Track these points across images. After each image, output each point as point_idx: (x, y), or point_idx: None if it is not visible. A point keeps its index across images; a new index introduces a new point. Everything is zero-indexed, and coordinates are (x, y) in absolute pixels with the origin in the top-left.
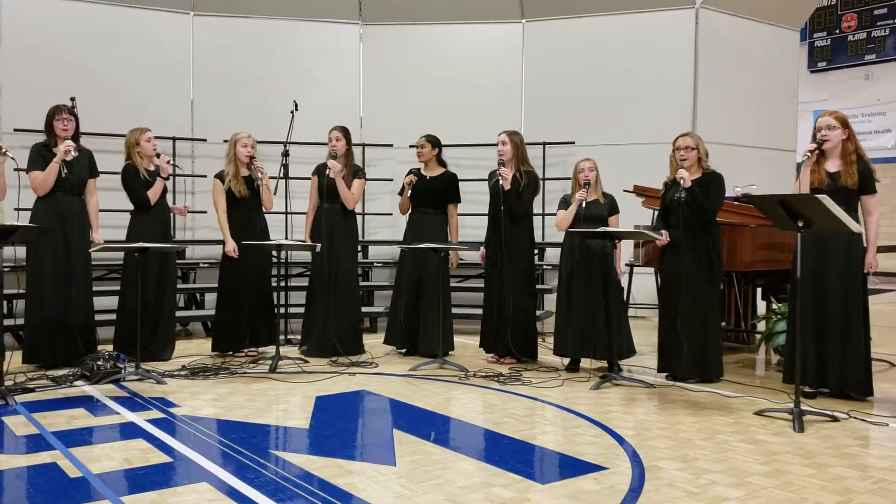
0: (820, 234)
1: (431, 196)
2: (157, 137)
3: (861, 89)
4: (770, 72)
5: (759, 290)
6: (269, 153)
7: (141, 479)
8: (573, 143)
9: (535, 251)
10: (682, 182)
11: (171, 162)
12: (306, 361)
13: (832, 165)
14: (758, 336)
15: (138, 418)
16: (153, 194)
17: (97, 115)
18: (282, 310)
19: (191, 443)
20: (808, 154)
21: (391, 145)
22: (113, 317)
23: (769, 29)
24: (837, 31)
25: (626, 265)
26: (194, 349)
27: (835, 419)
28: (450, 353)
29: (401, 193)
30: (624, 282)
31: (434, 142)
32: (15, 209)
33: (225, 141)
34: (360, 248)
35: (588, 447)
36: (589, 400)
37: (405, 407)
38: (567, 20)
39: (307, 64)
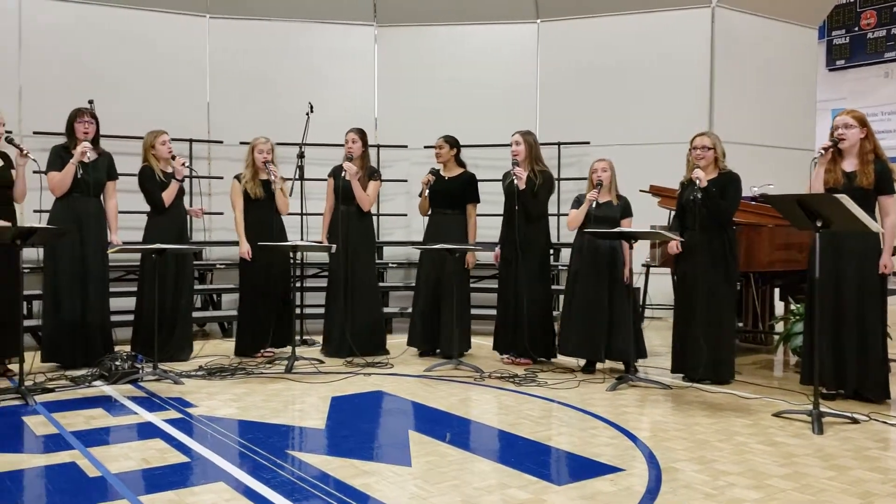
0: (836, 235)
1: (450, 197)
2: (173, 140)
3: (881, 87)
4: (788, 70)
5: (776, 290)
6: (285, 155)
7: (159, 478)
8: (588, 143)
9: (551, 251)
10: (697, 182)
11: (186, 164)
12: (322, 362)
13: (849, 165)
14: (776, 337)
15: (156, 418)
16: (167, 196)
17: (115, 118)
18: (298, 310)
19: (208, 443)
20: (822, 152)
21: (406, 146)
22: (131, 318)
23: (786, 27)
24: (856, 29)
25: (643, 265)
26: (211, 350)
27: (855, 421)
28: (466, 353)
29: (421, 195)
30: (639, 283)
31: (452, 142)
32: (35, 211)
33: (241, 143)
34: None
35: (604, 448)
36: (605, 401)
37: (421, 408)
38: (582, 20)
39: (322, 66)
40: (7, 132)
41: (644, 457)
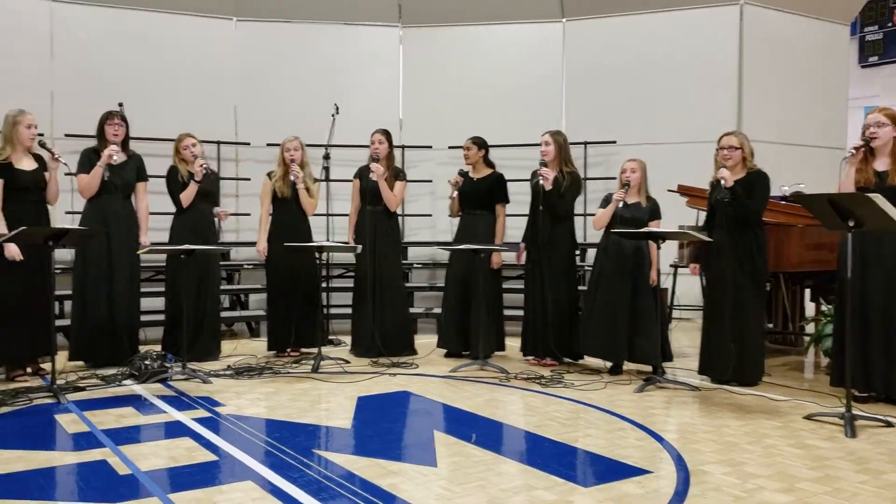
0: (864, 235)
1: (479, 197)
2: (203, 142)
3: None
4: (818, 67)
5: (807, 291)
6: (311, 156)
7: (187, 477)
8: (615, 142)
9: (577, 251)
10: (723, 182)
11: (204, 166)
12: (348, 362)
13: (881, 164)
14: (806, 338)
15: (185, 417)
16: (185, 197)
17: (145, 121)
18: (324, 311)
19: (236, 442)
20: (853, 151)
21: (430, 147)
22: (161, 317)
23: (817, 24)
24: (889, 25)
25: (671, 266)
26: (239, 349)
27: (889, 424)
28: (497, 354)
29: (451, 196)
30: (667, 284)
31: (480, 143)
32: (67, 213)
33: (268, 145)
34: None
35: (631, 450)
36: (632, 403)
37: (446, 408)
38: (608, 18)
39: (347, 67)
40: (39, 135)
41: (672, 459)
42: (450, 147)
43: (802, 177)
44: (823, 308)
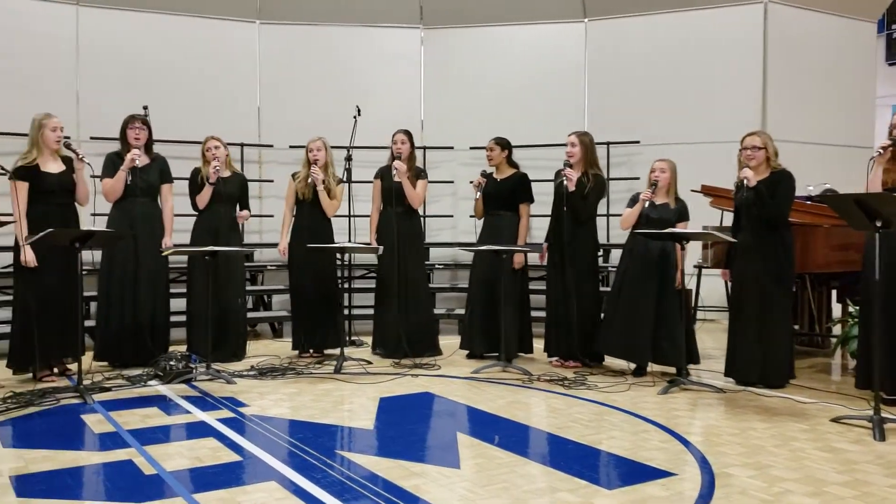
0: (892, 235)
1: (503, 198)
2: (228, 144)
3: None
4: (845, 66)
5: (833, 292)
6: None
7: (212, 477)
8: (638, 142)
9: (600, 252)
10: (746, 182)
11: (217, 168)
12: (370, 363)
13: None
14: (833, 340)
15: (209, 417)
16: (199, 199)
17: (169, 123)
18: (346, 311)
19: (259, 442)
20: (881, 150)
21: (452, 147)
22: (185, 318)
23: (843, 21)
24: None
25: (695, 267)
26: (262, 350)
27: None
28: (522, 355)
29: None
30: (691, 285)
31: (503, 144)
32: (91, 214)
33: (291, 146)
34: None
35: (655, 452)
36: (656, 405)
37: (469, 410)
38: (631, 18)
39: (369, 69)
40: (65, 137)
41: (696, 461)
42: (471, 148)
43: (828, 177)
44: (850, 309)
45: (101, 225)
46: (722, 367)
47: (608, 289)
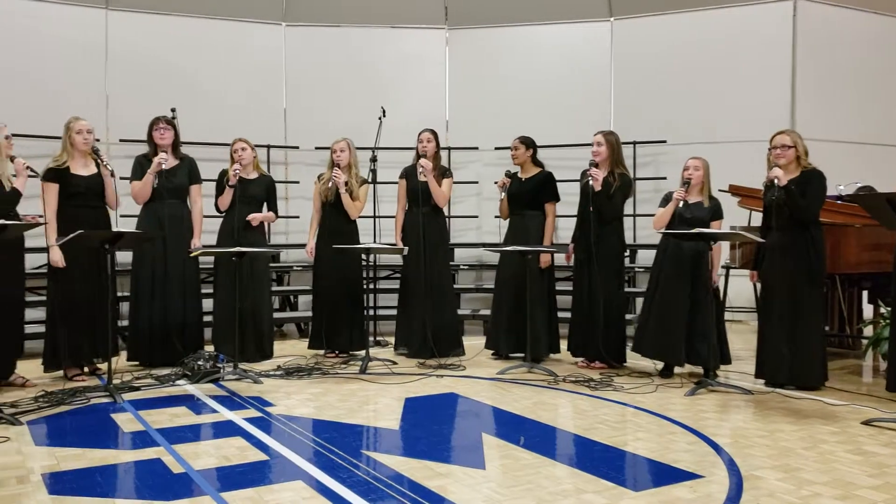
0: None
1: (528, 197)
2: (255, 146)
3: None
4: (876, 62)
5: (864, 293)
6: (359, 159)
7: (239, 476)
8: (664, 141)
9: (626, 253)
10: (776, 181)
11: (237, 171)
12: (395, 363)
13: None
14: (864, 342)
15: (236, 417)
16: (221, 201)
17: (198, 125)
18: (371, 312)
19: (286, 441)
20: None
21: (476, 148)
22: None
23: (874, 18)
24: None
25: (723, 267)
26: (289, 350)
27: None
28: (550, 357)
29: (501, 198)
30: (718, 285)
31: (528, 143)
32: (121, 216)
33: (317, 148)
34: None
35: (683, 454)
36: (683, 406)
37: (494, 410)
38: (657, 17)
39: (394, 70)
40: (95, 140)
41: (724, 464)
42: (496, 148)
43: (860, 176)
44: (882, 311)
45: (130, 226)
46: (749, 368)
47: (634, 289)
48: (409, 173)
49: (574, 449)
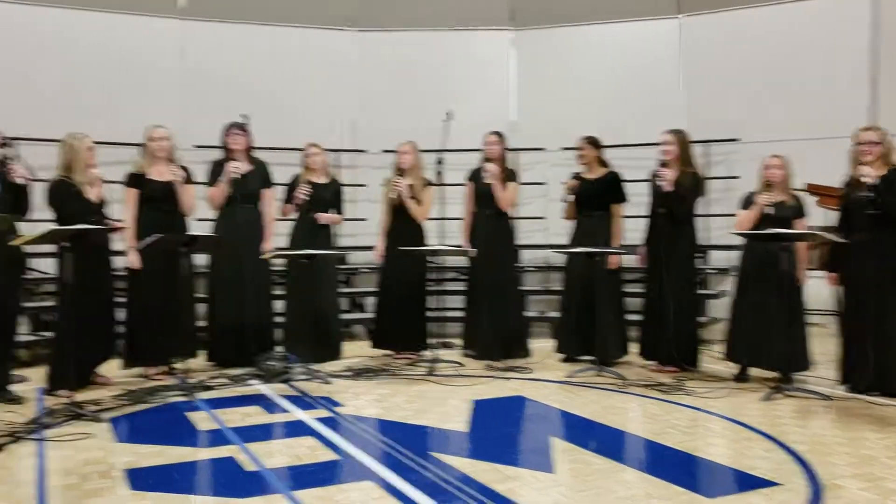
0: None
1: (595, 198)
2: (326, 150)
3: None
4: None
5: None
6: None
7: (310, 475)
8: (737, 140)
9: (698, 254)
10: (864, 179)
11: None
12: (462, 365)
13: None
14: None
15: (307, 416)
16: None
17: (271, 131)
18: (438, 314)
19: (355, 441)
20: None
21: (543, 149)
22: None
23: None
24: None
25: None
26: (357, 351)
27: None
28: (619, 360)
29: (566, 200)
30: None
31: (594, 143)
32: (197, 220)
33: (384, 151)
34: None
35: (758, 461)
36: (759, 412)
37: (562, 414)
38: (727, 13)
39: (460, 72)
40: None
41: (802, 472)
42: (563, 149)
43: None
44: None
45: (206, 231)
46: (827, 372)
47: (707, 291)
48: (476, 176)
49: (644, 453)
